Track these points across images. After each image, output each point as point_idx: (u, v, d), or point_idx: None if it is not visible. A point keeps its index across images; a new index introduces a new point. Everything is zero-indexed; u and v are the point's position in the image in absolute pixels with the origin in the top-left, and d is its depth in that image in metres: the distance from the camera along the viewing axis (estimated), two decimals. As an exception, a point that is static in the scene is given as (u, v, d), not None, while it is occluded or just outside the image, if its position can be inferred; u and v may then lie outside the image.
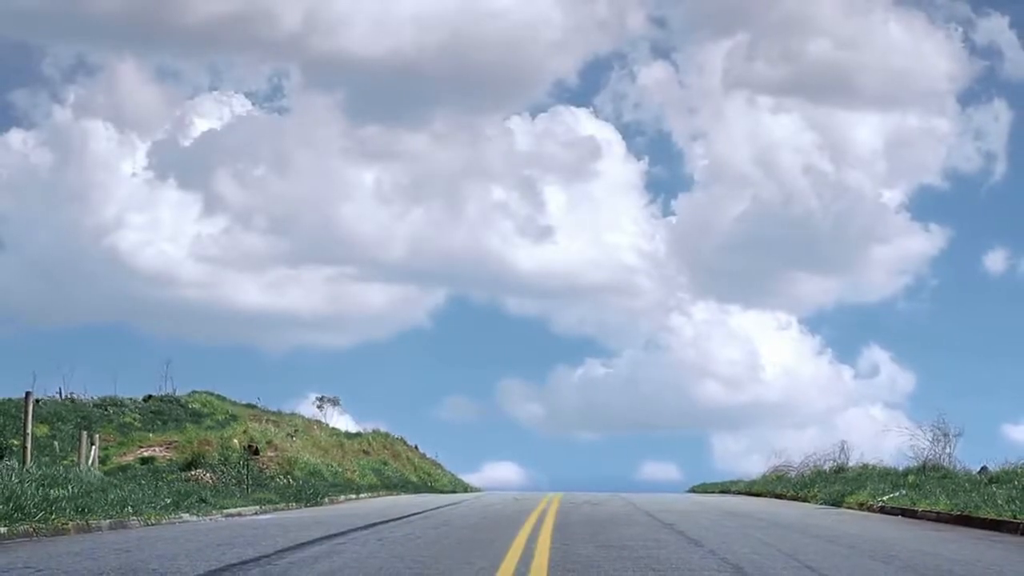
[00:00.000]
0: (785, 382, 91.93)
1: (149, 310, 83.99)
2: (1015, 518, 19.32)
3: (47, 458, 31.92)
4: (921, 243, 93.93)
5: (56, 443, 38.05)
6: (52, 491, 20.56)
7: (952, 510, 22.24)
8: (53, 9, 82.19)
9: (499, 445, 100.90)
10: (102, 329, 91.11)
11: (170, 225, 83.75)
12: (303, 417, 56.02)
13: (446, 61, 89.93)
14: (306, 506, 31.56)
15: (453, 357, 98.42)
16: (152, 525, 21.37)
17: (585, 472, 79.80)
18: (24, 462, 24.49)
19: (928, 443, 33.72)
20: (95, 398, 49.01)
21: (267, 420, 49.19)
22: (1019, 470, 27.54)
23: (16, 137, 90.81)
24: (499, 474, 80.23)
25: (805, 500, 33.73)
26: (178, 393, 52.83)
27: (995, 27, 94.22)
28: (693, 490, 55.74)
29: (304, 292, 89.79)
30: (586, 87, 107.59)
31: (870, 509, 26.98)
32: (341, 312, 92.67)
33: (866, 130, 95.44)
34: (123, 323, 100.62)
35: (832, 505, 30.18)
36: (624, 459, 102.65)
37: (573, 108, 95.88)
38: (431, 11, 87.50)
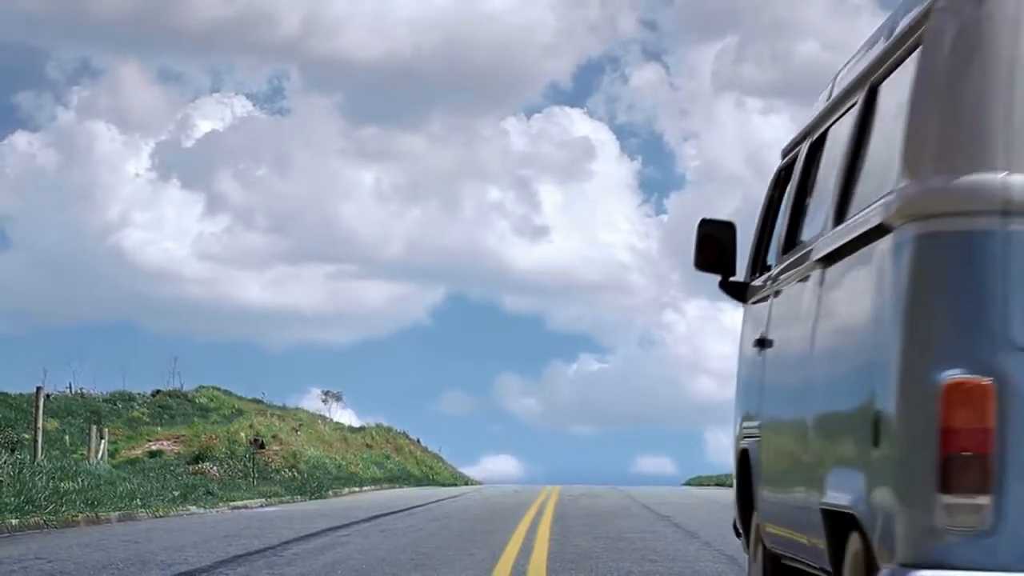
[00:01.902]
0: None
1: (153, 307, 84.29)
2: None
3: (57, 452, 32.28)
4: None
5: (66, 437, 38.49)
6: (62, 484, 20.85)
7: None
8: (57, 13, 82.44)
9: (497, 439, 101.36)
10: (108, 326, 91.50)
11: (173, 224, 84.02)
12: (307, 412, 56.28)
13: (442, 63, 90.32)
14: (310, 499, 31.89)
15: (451, 353, 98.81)
16: (160, 517, 21.66)
17: (581, 466, 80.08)
18: (35, 455, 24.79)
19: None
20: (104, 393, 49.40)
21: (272, 415, 49.48)
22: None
23: (22, 139, 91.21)
24: (497, 467, 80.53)
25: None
26: (185, 388, 53.15)
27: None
28: (689, 483, 56.04)
29: (305, 289, 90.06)
30: (580, 89, 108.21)
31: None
32: (342, 309, 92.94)
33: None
34: (128, 320, 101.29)
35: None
36: (619, 453, 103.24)
37: (567, 109, 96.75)
38: (427, 14, 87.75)
